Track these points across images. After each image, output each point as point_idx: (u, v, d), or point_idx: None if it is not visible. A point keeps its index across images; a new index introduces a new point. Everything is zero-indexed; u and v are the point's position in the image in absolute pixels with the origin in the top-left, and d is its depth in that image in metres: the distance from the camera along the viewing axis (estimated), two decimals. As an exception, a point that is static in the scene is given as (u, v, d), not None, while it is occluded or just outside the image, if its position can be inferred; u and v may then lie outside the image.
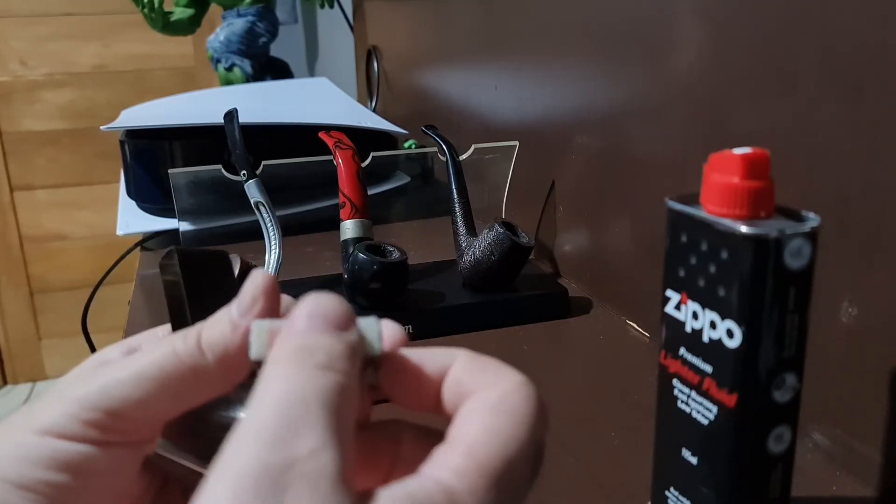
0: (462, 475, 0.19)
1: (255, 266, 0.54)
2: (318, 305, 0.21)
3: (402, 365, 0.23)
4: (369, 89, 1.38)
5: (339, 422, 0.18)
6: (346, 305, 0.21)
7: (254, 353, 0.22)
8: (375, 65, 1.33)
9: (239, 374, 0.23)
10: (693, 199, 0.30)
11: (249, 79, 1.49)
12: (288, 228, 0.65)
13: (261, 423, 0.18)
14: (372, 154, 0.67)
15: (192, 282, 0.25)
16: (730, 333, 0.28)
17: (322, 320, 0.21)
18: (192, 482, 0.25)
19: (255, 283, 0.23)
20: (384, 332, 0.23)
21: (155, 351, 0.23)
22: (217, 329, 0.23)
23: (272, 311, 0.23)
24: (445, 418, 0.22)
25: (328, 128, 0.66)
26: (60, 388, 0.23)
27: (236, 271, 0.51)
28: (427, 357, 0.23)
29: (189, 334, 0.23)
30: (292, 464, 0.17)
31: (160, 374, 0.22)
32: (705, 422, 0.30)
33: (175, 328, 0.26)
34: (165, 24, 1.48)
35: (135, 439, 0.23)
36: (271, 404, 0.18)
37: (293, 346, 0.20)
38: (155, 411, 0.22)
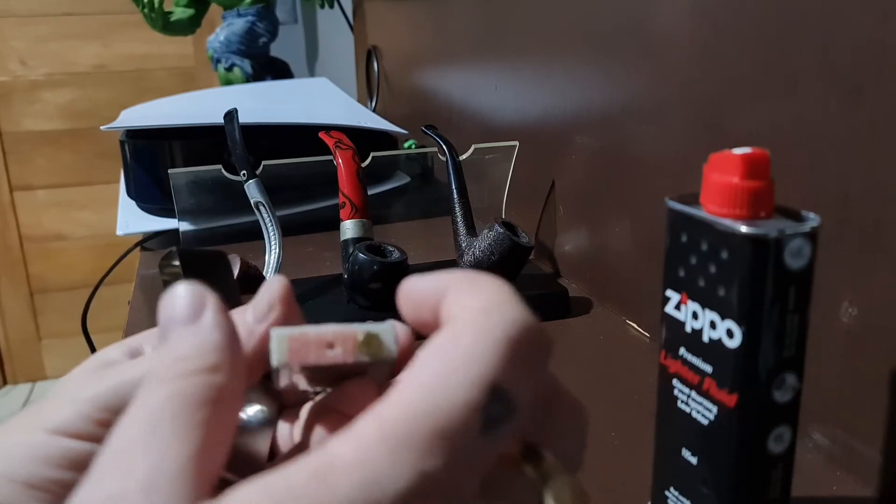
0: (359, 445, 0.16)
1: (255, 266, 0.54)
2: (162, 310, 0.20)
3: (407, 296, 0.21)
4: (369, 89, 1.38)
5: (174, 438, 0.17)
6: (195, 290, 0.20)
7: (275, 361, 0.21)
8: (375, 65, 1.33)
9: (250, 379, 0.23)
10: (693, 199, 0.30)
11: (249, 79, 1.49)
12: (288, 228, 0.65)
13: (95, 461, 0.18)
14: (372, 154, 0.67)
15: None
16: (730, 333, 0.28)
17: (165, 324, 0.20)
18: None
19: (272, 289, 0.23)
20: (399, 334, 0.23)
21: None
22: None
23: (288, 317, 0.23)
24: None
25: (328, 128, 0.66)
26: (69, 388, 0.23)
27: (236, 271, 0.51)
28: (425, 285, 0.20)
29: None
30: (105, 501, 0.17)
31: None
32: (705, 422, 0.30)
33: None
34: (165, 24, 1.48)
35: None
36: (107, 442, 0.18)
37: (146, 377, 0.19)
38: None
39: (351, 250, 0.57)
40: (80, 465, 0.21)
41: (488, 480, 0.18)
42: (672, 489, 0.33)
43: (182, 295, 0.20)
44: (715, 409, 0.29)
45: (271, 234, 0.62)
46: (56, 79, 2.37)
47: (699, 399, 0.30)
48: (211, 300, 0.21)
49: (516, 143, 0.70)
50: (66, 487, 0.21)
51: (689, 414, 0.31)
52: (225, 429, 0.19)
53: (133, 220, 0.85)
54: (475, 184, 0.66)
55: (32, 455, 0.21)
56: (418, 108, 1.11)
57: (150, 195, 0.86)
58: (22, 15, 2.31)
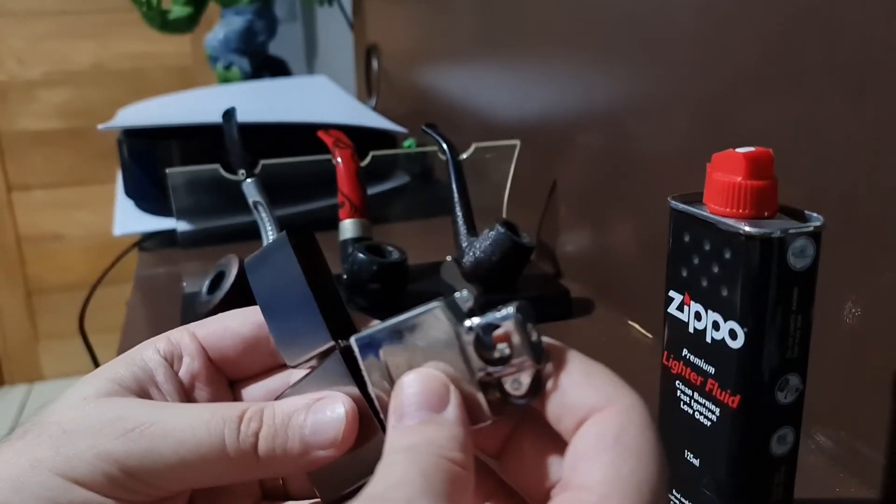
0: None
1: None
2: (418, 393, 0.21)
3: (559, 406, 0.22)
4: (369, 87, 1.37)
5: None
6: (441, 379, 0.21)
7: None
8: (375, 63, 1.33)
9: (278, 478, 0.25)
10: (696, 199, 0.30)
11: (248, 77, 1.48)
12: (286, 228, 0.64)
13: (381, 491, 0.18)
14: (371, 153, 0.67)
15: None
16: (733, 334, 0.28)
17: (424, 411, 0.21)
18: None
19: (341, 421, 0.23)
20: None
21: (201, 428, 0.22)
22: (283, 444, 0.23)
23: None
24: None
25: (327, 126, 0.66)
26: (85, 424, 0.23)
27: (235, 272, 0.50)
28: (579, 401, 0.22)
29: (246, 427, 0.23)
30: None
31: (202, 461, 0.22)
32: (708, 423, 0.30)
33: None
34: (163, 23, 1.48)
35: (156, 501, 0.23)
36: (396, 476, 0.19)
37: (407, 444, 0.20)
38: (184, 486, 0.23)
39: (350, 250, 0.57)
40: None
41: None
42: (674, 491, 0.32)
43: (433, 381, 0.21)
44: (718, 410, 0.29)
45: (270, 233, 0.62)
46: (53, 78, 2.36)
47: (702, 400, 0.30)
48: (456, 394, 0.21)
49: (517, 141, 0.70)
50: None
51: (692, 415, 0.31)
52: None
53: (130, 219, 0.85)
54: (476, 183, 0.66)
55: (47, 498, 0.22)
56: (418, 107, 1.10)
57: (148, 194, 0.86)
58: (19, 14, 2.30)
